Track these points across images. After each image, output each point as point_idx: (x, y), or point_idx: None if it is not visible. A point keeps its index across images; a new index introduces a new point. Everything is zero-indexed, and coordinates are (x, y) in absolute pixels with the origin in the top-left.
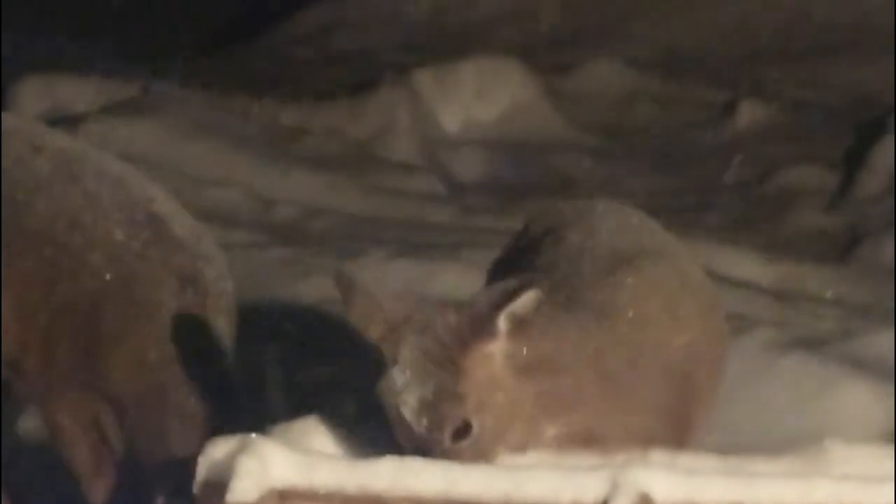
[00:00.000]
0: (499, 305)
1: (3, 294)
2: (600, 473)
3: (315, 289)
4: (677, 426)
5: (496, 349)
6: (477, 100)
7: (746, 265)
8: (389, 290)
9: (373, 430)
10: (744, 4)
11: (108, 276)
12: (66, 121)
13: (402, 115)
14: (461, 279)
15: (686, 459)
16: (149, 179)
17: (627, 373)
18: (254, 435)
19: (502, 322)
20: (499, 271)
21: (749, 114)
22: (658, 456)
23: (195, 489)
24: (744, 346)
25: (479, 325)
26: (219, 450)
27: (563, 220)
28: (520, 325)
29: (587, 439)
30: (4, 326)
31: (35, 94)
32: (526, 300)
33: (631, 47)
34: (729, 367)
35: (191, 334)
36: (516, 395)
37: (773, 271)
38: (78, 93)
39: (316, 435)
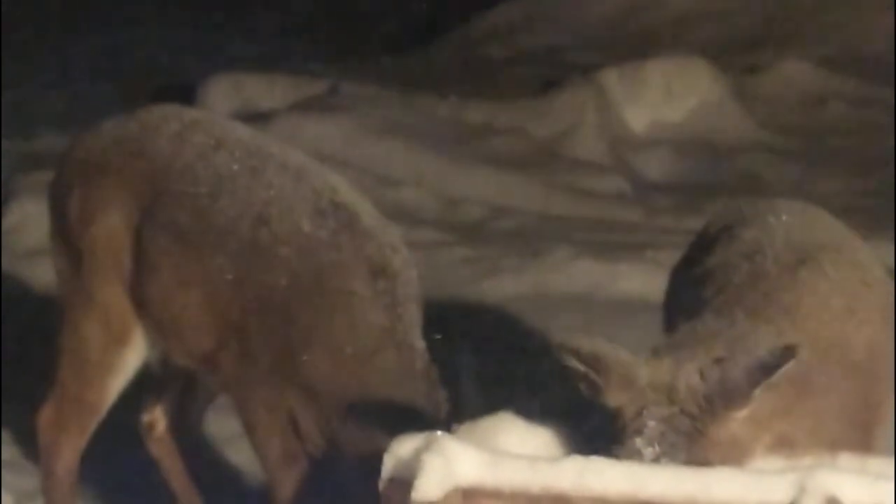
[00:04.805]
0: (758, 382)
1: (195, 291)
2: (788, 477)
3: (500, 287)
4: (862, 427)
5: (742, 413)
6: (664, 100)
7: None
8: (610, 350)
9: (558, 429)
10: None
11: (298, 269)
12: (255, 118)
13: (588, 115)
14: (646, 280)
15: (876, 463)
16: (330, 169)
17: (815, 375)
18: (439, 433)
19: (758, 393)
20: (681, 272)
21: None
22: (847, 460)
23: (380, 485)
24: None
25: (734, 400)
26: (404, 447)
27: (740, 219)
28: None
29: (777, 445)
30: (199, 322)
31: (225, 93)
32: (785, 371)
33: (821, 47)
34: None
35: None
36: (748, 442)
37: None
38: (267, 91)
39: (501, 433)
